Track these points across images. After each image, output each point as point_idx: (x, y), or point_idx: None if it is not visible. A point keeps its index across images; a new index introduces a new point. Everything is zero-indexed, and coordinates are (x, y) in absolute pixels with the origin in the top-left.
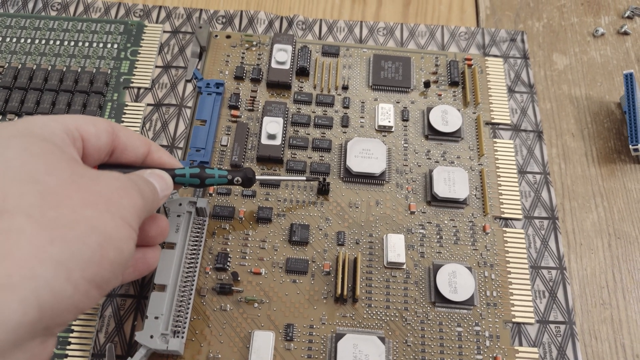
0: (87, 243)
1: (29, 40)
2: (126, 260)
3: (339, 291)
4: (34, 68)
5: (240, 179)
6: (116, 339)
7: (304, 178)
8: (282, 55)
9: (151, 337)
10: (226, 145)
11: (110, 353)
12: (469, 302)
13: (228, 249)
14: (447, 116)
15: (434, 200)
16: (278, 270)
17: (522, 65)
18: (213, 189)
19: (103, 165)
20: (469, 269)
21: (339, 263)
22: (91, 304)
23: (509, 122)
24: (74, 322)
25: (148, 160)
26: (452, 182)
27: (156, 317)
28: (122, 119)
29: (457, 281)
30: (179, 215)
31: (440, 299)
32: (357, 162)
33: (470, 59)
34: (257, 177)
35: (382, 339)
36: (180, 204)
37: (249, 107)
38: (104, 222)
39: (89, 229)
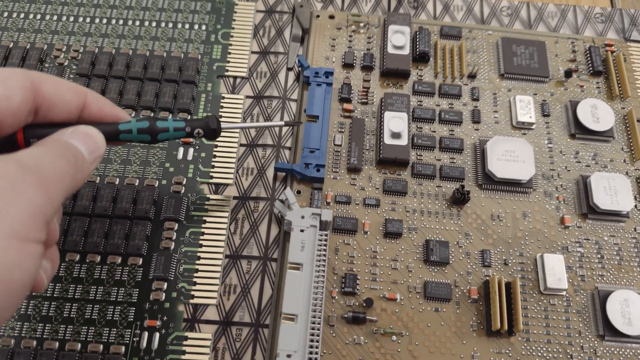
0: None
1: (104, 21)
2: (25, 287)
3: (497, 324)
4: (113, 53)
5: (201, 131)
6: None
7: (282, 123)
8: (400, 39)
9: None
10: (340, 145)
11: None
12: None
13: (355, 269)
14: (597, 112)
15: (591, 212)
16: (415, 295)
17: None
18: (330, 196)
19: (28, 127)
20: None
21: (493, 289)
22: None
23: None
24: None
25: (86, 114)
26: (613, 191)
27: (289, 356)
28: (220, 112)
29: (630, 311)
30: (302, 230)
31: (611, 332)
32: (501, 167)
33: (612, 45)
34: (222, 125)
35: None
36: (302, 217)
37: (362, 100)
38: None
39: None
